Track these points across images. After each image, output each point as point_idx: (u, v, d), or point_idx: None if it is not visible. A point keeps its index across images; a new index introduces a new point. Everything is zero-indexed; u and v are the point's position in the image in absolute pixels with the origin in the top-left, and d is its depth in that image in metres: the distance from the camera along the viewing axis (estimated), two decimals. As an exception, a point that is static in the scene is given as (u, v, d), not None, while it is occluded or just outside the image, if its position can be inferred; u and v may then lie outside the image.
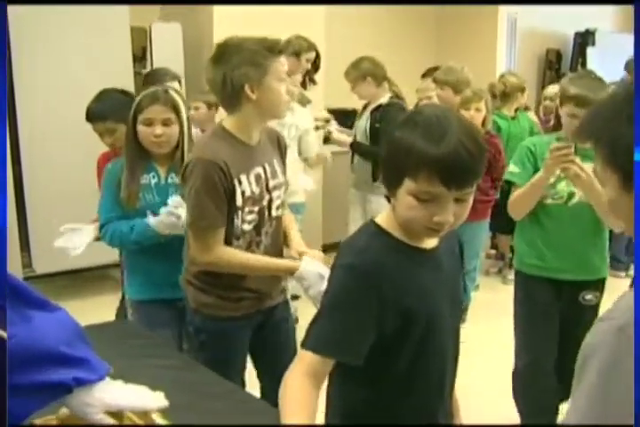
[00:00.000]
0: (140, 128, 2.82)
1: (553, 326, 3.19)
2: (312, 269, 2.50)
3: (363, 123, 5.06)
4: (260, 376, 2.85)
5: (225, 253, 2.48)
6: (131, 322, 2.92)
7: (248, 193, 2.48)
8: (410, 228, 1.66)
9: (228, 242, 2.50)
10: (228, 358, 2.65)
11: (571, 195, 3.06)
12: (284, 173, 2.69)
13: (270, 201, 2.58)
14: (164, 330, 2.92)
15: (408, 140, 1.55)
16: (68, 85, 5.14)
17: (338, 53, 5.24)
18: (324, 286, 2.43)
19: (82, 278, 5.78)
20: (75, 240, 3.18)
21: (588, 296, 3.14)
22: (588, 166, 2.87)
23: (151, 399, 1.51)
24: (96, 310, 5.08)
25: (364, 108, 5.19)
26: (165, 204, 2.77)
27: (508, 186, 3.20)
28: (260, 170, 2.54)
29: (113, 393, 1.46)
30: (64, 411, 1.73)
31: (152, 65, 5.49)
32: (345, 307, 1.64)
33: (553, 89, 6.27)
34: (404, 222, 1.66)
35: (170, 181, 2.89)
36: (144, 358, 2.25)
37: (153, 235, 2.80)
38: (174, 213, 2.72)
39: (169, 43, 5.67)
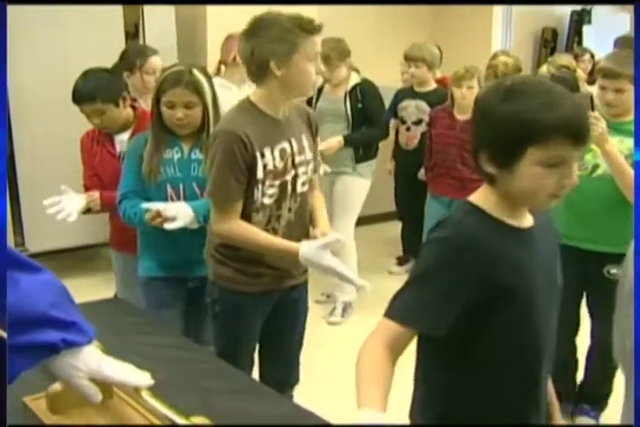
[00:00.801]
0: (163, 110, 2.80)
1: (575, 299, 3.22)
2: (306, 256, 2.44)
3: (336, 106, 4.89)
4: (261, 354, 2.83)
5: (238, 227, 2.49)
6: (124, 300, 2.89)
7: (270, 167, 2.48)
8: (532, 200, 1.64)
9: (247, 215, 2.50)
10: (239, 333, 2.65)
11: (595, 167, 3.08)
12: (314, 150, 2.67)
13: (296, 177, 2.57)
14: (170, 309, 2.95)
15: (529, 110, 1.54)
16: (59, 62, 5.10)
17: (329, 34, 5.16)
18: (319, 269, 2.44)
19: (74, 258, 5.76)
20: (67, 208, 3.16)
21: (614, 270, 3.10)
22: (619, 139, 2.96)
23: (137, 376, 1.49)
24: (89, 289, 5.09)
25: (320, 90, 5.04)
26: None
27: None
28: (285, 144, 2.52)
29: (100, 361, 1.45)
30: (54, 387, 1.73)
31: (144, 42, 5.44)
32: (432, 279, 1.63)
33: (547, 67, 6.25)
34: (526, 195, 1.63)
35: (193, 156, 2.88)
36: (136, 336, 2.24)
37: (139, 224, 2.83)
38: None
39: (161, 19, 5.61)
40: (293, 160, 2.54)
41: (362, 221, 5.16)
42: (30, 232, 5.39)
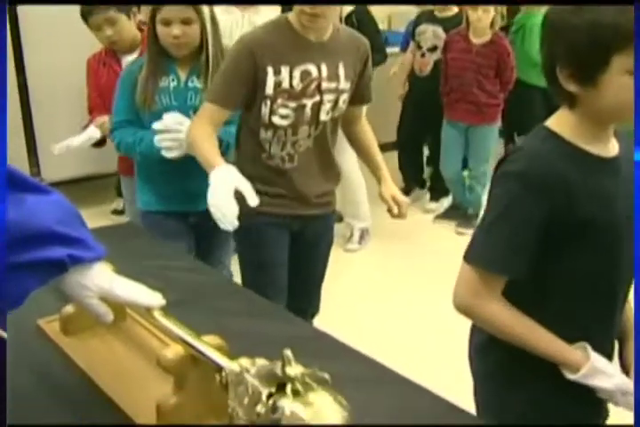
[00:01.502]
0: (159, 28, 2.69)
1: None
2: (215, 175, 2.28)
3: None
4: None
5: (195, 126, 2.46)
6: (135, 225, 2.86)
7: (285, 85, 2.42)
8: (623, 116, 1.52)
9: (255, 130, 2.49)
10: (262, 258, 2.63)
11: None
12: (352, 80, 2.55)
13: (320, 103, 2.49)
14: (173, 242, 2.88)
15: (609, 15, 1.43)
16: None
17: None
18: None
19: (90, 187, 5.76)
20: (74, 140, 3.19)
21: None
22: None
23: (148, 296, 1.48)
24: (104, 217, 5.13)
25: None
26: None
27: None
28: (311, 67, 2.45)
29: (111, 280, 1.44)
30: (67, 309, 1.74)
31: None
32: (511, 218, 1.55)
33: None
34: (616, 111, 1.51)
35: (190, 84, 2.77)
36: (148, 259, 2.23)
37: (157, 151, 2.69)
38: (169, 130, 2.64)
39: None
40: (319, 85, 2.47)
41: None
42: (45, 162, 5.40)
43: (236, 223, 2.22)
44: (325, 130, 2.57)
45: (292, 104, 2.45)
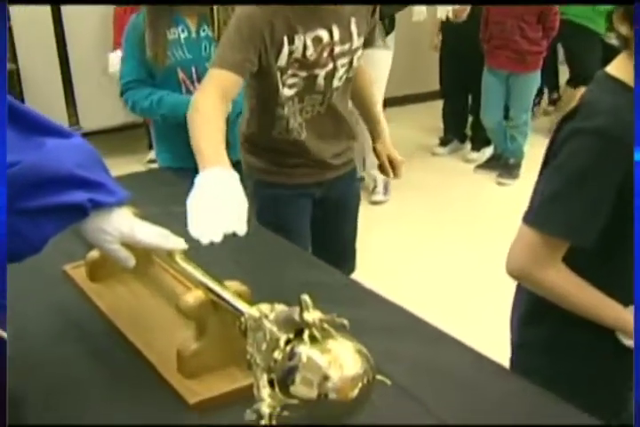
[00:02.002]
0: None
1: None
2: (204, 178, 1.82)
3: None
4: (315, 250, 2.65)
5: (205, 100, 2.00)
6: (167, 171, 2.78)
7: (298, 55, 2.17)
8: None
9: (270, 110, 2.29)
10: (285, 229, 2.41)
11: None
12: (365, 32, 2.33)
13: (334, 70, 2.27)
14: None
15: None
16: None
17: None
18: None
19: (127, 136, 5.76)
20: None
21: None
22: None
23: (170, 239, 1.46)
24: (141, 166, 5.13)
25: None
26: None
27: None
28: (322, 33, 2.19)
29: (132, 225, 1.41)
30: (92, 255, 1.73)
31: None
32: (588, 179, 1.44)
33: None
34: None
35: (202, 34, 2.61)
36: (177, 205, 2.18)
37: (184, 113, 2.24)
38: None
39: None
40: (332, 51, 2.23)
41: (400, 100, 4.98)
42: (84, 111, 5.48)
43: (219, 239, 1.56)
44: (338, 95, 2.38)
45: (303, 74, 2.24)
